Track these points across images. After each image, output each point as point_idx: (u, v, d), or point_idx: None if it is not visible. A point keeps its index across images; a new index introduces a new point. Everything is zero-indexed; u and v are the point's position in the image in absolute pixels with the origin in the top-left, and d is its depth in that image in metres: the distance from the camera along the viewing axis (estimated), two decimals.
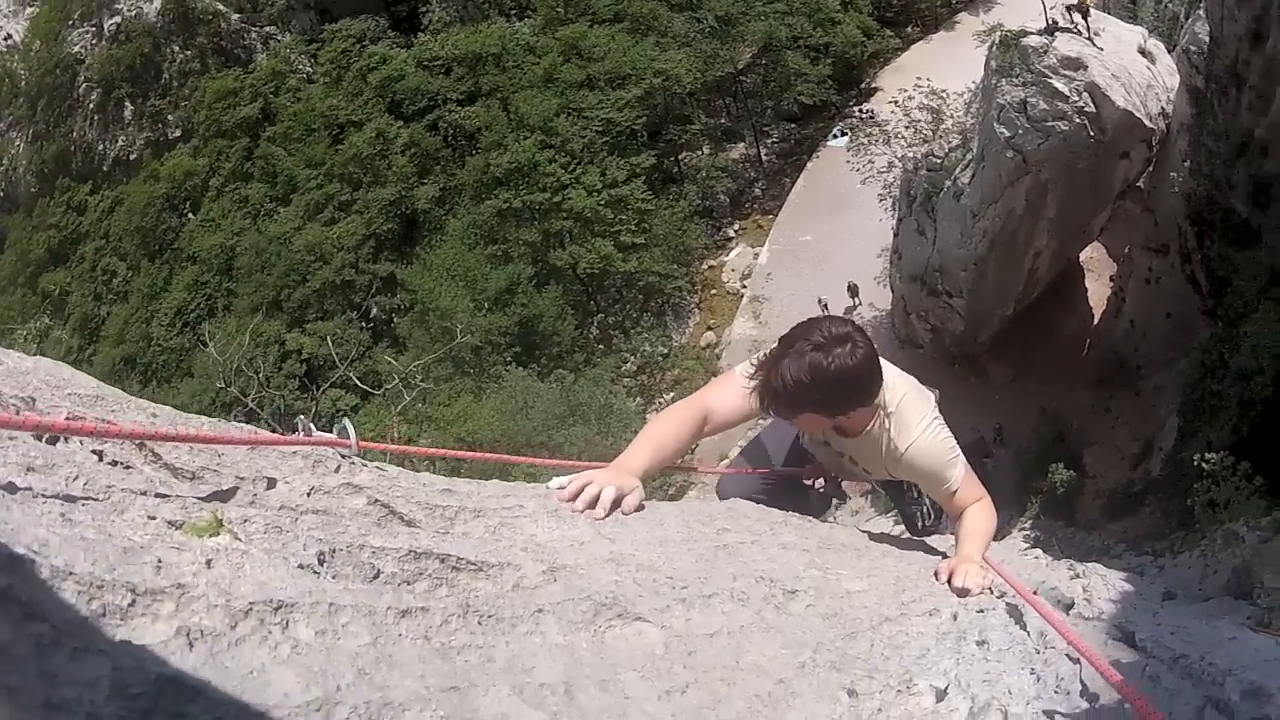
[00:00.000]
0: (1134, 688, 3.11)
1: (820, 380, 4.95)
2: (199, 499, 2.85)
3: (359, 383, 42.55)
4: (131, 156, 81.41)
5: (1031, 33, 38.17)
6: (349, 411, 46.14)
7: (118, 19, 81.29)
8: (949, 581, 4.76)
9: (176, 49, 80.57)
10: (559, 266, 61.74)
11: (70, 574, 1.90)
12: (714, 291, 64.89)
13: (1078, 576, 7.07)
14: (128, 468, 2.96)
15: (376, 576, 2.79)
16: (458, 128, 70.43)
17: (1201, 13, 34.82)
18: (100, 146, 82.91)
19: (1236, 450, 22.31)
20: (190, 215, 76.96)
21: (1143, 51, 38.49)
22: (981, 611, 4.18)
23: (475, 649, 2.56)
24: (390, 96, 73.08)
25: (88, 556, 2.03)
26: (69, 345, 77.07)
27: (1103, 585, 6.88)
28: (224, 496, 3.03)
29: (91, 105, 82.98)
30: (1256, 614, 11.06)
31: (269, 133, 75.57)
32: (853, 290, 54.68)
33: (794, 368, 4.96)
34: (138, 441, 3.08)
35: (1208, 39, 33.45)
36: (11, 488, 2.40)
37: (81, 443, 2.92)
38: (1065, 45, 36.89)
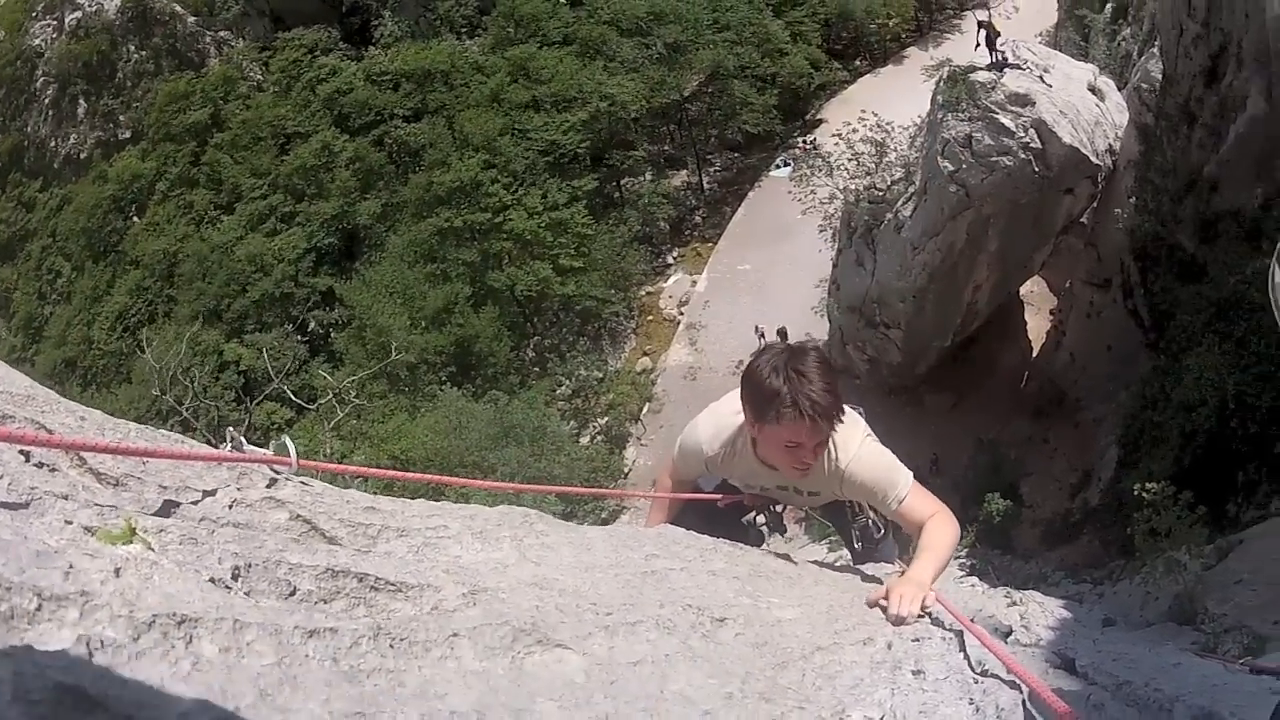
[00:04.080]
0: (1081, 717, 3.04)
1: (833, 378, 5.10)
2: (118, 506, 2.77)
3: (293, 397, 42.46)
4: (82, 155, 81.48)
5: (980, 68, 38.36)
6: (284, 425, 46.17)
7: (79, 14, 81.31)
8: (883, 608, 4.66)
9: (132, 48, 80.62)
10: (497, 288, 61.95)
11: None
12: (651, 318, 65.22)
13: (1015, 604, 7.04)
14: (53, 470, 2.92)
15: (293, 594, 2.73)
16: (402, 144, 70.74)
17: (1155, 51, 35.18)
18: (53, 143, 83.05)
19: (1178, 480, 22.70)
20: (135, 219, 76.62)
21: (1092, 89, 38.70)
22: (917, 640, 4.10)
23: (385, 673, 2.48)
24: (337, 109, 73.45)
25: (0, 557, 1.99)
26: (12, 344, 77.91)
27: (1041, 612, 6.85)
28: (144, 505, 2.97)
29: (47, 100, 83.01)
30: (1201, 640, 11.07)
31: (217, 139, 75.71)
32: (782, 334, 54.80)
33: (817, 384, 5.03)
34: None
35: (1160, 77, 33.83)
36: None
37: None
38: (1014, 82, 37.08)
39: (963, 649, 3.98)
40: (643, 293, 66.58)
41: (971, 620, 4.42)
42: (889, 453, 5.71)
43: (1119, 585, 22.67)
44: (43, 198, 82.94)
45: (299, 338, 65.32)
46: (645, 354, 62.37)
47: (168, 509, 3.03)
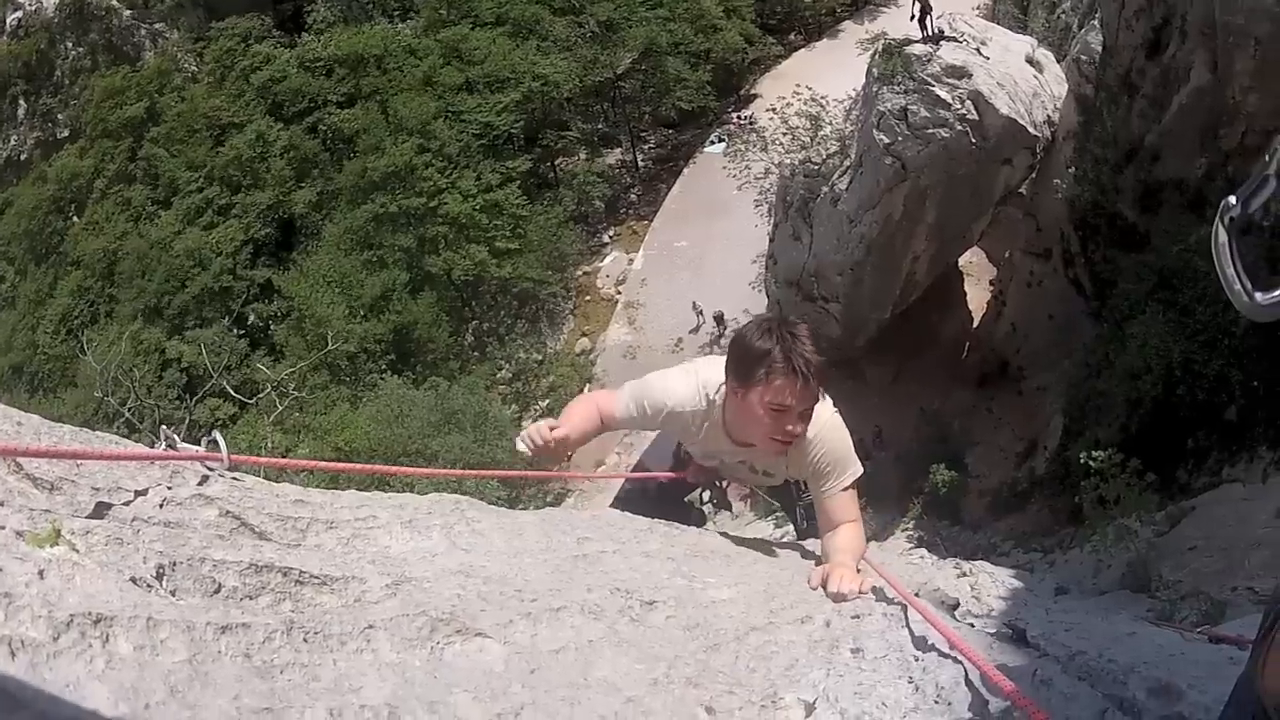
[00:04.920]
0: (1029, 700, 2.97)
1: (820, 347, 5.20)
2: (50, 509, 2.79)
3: (233, 392, 42.33)
4: (22, 156, 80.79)
5: (916, 41, 38.43)
6: (227, 421, 46.14)
7: (19, 14, 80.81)
8: (824, 587, 4.65)
9: (70, 45, 79.94)
10: (434, 273, 62.24)
11: None
12: (588, 298, 65.49)
13: (965, 575, 6.98)
14: None
15: (217, 591, 2.74)
16: (336, 131, 70.59)
17: (1096, 23, 35.53)
18: None
19: (1125, 448, 22.93)
20: (75, 218, 76.12)
21: (1031, 61, 38.91)
22: (857, 617, 4.06)
23: (299, 667, 2.46)
24: (271, 98, 73.11)
25: None
26: None
27: (991, 583, 6.80)
28: (76, 507, 2.97)
29: None
30: (1158, 607, 11.09)
31: (152, 133, 74.97)
32: (718, 319, 54.85)
33: (808, 344, 5.13)
34: None
35: (1100, 48, 34.20)
36: None
37: None
38: (950, 54, 37.20)
39: (906, 625, 3.92)
40: (580, 273, 66.90)
41: (917, 594, 4.38)
42: (850, 437, 5.72)
43: (1070, 554, 22.88)
44: None
45: (238, 332, 65.09)
46: (584, 334, 62.68)
47: (100, 510, 3.05)
